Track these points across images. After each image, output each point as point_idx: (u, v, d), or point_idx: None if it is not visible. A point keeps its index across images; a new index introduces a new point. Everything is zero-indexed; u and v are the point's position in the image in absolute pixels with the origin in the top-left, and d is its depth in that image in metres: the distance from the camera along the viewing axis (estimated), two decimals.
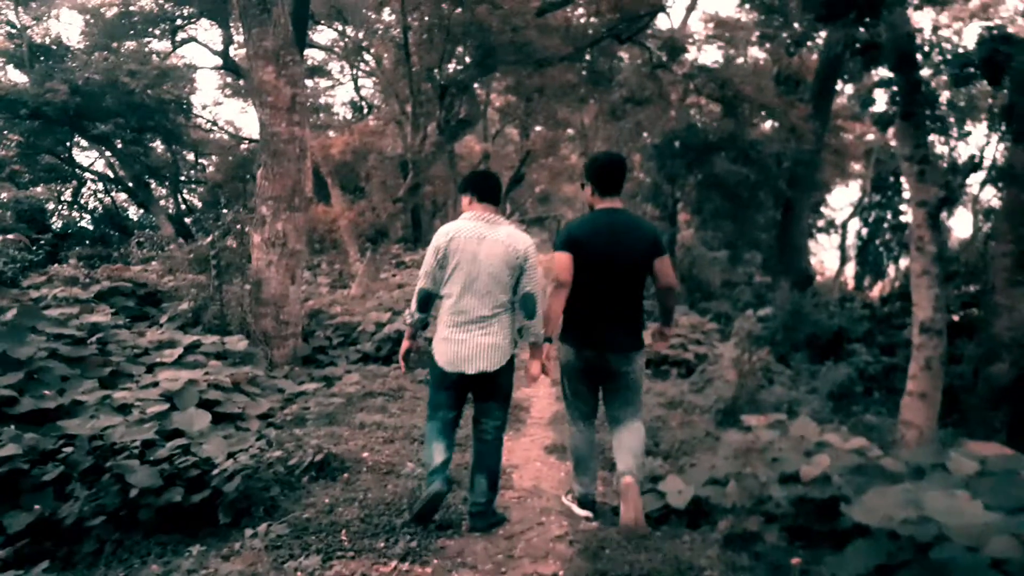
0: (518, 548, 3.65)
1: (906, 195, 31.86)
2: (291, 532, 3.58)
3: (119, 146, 25.39)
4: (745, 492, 3.88)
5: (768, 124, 20.56)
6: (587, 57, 17.77)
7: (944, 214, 27.37)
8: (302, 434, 4.89)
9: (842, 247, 31.56)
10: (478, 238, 3.62)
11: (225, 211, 9.16)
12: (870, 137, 30.72)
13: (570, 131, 27.41)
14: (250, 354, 6.49)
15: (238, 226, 8.05)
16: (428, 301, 3.75)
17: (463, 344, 3.63)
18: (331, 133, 22.75)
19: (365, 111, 28.62)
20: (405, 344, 3.95)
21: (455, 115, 11.99)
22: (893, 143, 32.00)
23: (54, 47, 23.75)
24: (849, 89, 28.28)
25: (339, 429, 5.33)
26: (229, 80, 28.16)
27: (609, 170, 3.94)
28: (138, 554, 3.46)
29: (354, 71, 27.83)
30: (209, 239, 7.68)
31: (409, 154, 11.89)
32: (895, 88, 6.94)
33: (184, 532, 3.65)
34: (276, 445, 4.46)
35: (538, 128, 27.73)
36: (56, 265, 10.04)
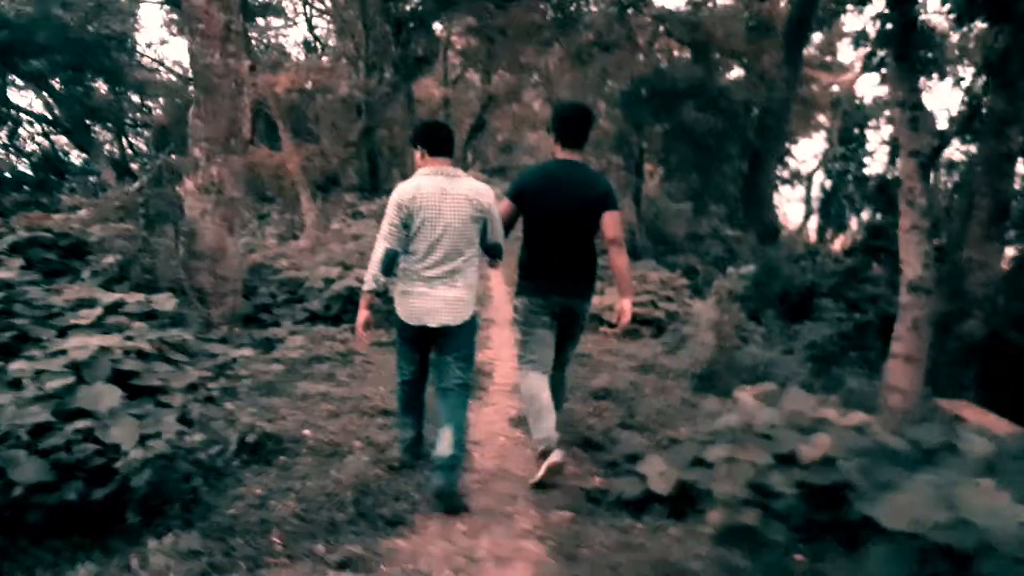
0: (481, 548, 3.15)
1: (870, 147, 31.75)
2: (213, 533, 3.03)
3: (56, 86, 23.88)
4: (738, 477, 3.42)
5: (738, 72, 20.04)
6: None
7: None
8: (234, 409, 4.30)
9: (807, 200, 31.40)
10: (441, 193, 3.50)
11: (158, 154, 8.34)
12: (836, 88, 30.45)
13: (534, 77, 26.50)
14: (181, 315, 5.83)
15: (170, 171, 7.29)
16: (393, 261, 3.58)
17: (426, 297, 3.54)
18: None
19: (319, 52, 27.35)
20: (363, 314, 3.71)
21: (412, 53, 11.17)
22: (859, 93, 31.75)
23: None
24: (817, 37, 27.87)
25: (278, 401, 4.76)
26: (175, 17, 26.53)
27: (574, 121, 3.95)
28: (23, 565, 2.87)
29: (307, 8, 26.54)
30: (137, 184, 6.92)
31: (362, 94, 11.09)
32: (888, 27, 6.42)
33: (85, 535, 3.06)
34: (201, 424, 3.87)
35: (501, 73, 26.81)
36: None
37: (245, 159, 7.09)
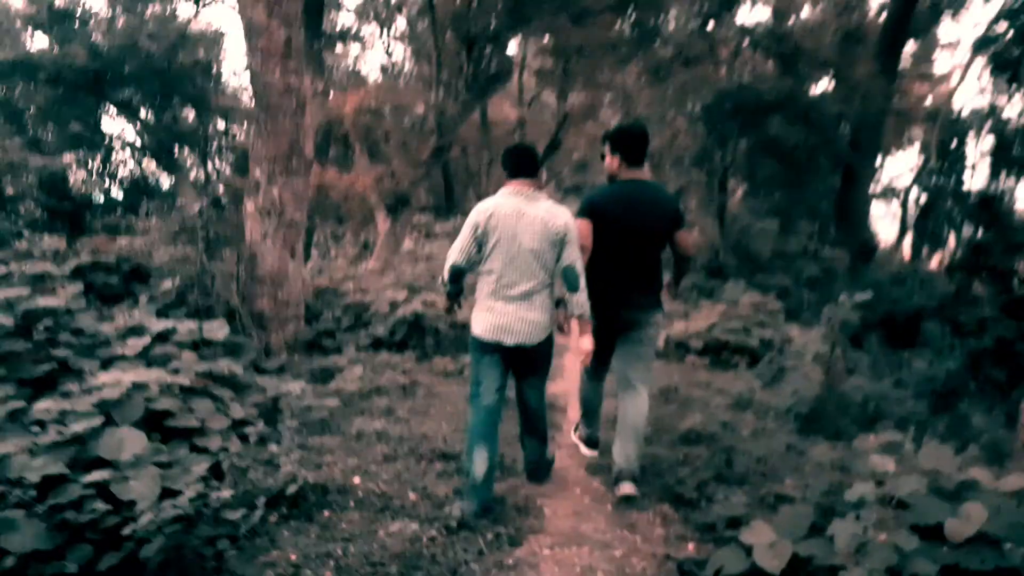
0: None
1: (969, 161, 29.76)
2: None
3: (144, 113, 24.65)
4: (873, 560, 2.75)
5: (828, 84, 19.00)
6: (631, 11, 16.35)
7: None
8: (277, 452, 3.85)
9: (903, 216, 29.67)
10: (517, 214, 3.51)
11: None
12: (929, 100, 28.73)
13: (611, 95, 25.88)
14: (235, 343, 5.47)
15: (234, 193, 7.00)
16: (460, 276, 3.70)
17: (504, 315, 3.55)
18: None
19: (397, 76, 27.50)
20: (446, 302, 4.02)
21: (485, 71, 10.77)
22: (958, 105, 29.91)
23: (76, 11, 22.92)
24: (910, 48, 26.35)
25: (329, 441, 4.29)
26: None
27: (636, 140, 3.98)
28: None
29: (384, 33, 26.75)
30: (197, 207, 6.66)
31: (433, 112, 10.74)
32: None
33: None
34: (236, 475, 3.43)
35: (577, 92, 26.29)
36: (47, 237, 9.11)
37: (309, 180, 6.75)
